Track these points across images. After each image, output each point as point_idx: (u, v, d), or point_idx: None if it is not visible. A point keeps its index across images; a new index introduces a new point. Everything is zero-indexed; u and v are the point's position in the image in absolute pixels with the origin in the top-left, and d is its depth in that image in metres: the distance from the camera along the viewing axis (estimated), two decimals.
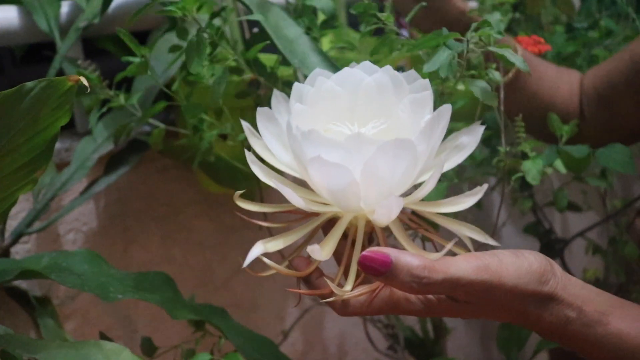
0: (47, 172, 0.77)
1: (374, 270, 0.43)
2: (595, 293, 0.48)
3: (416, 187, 0.50)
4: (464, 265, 0.44)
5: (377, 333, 1.07)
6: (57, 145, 0.85)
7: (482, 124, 0.68)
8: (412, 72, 0.53)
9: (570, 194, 0.89)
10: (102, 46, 0.97)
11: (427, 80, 0.52)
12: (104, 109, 0.74)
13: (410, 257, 0.43)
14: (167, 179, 0.95)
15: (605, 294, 0.49)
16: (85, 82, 0.43)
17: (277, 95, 0.55)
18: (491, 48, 0.57)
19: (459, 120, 0.70)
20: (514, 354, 0.95)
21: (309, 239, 0.53)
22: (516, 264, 0.46)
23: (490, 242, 0.53)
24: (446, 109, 0.49)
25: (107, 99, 0.74)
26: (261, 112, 0.54)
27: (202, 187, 0.95)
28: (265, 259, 0.48)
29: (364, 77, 0.53)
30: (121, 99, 0.73)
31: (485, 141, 0.70)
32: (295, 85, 0.52)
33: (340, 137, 0.50)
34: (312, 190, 0.51)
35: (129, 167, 0.82)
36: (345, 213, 0.50)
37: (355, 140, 0.45)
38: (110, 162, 0.83)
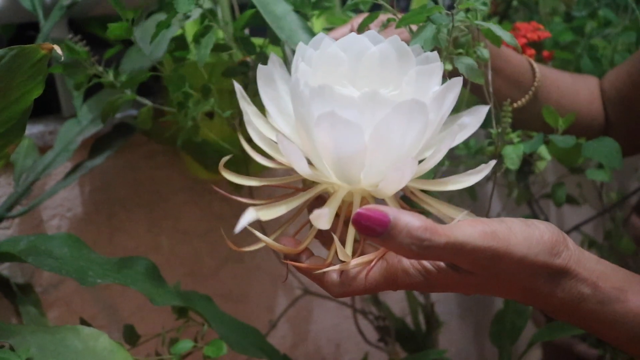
0: (29, 155, 0.75)
1: (370, 230, 0.40)
2: (611, 268, 0.45)
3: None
4: (469, 230, 0.41)
5: (368, 325, 1.05)
6: (41, 128, 0.83)
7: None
8: (417, 47, 0.52)
9: (565, 186, 0.87)
10: (91, 30, 0.95)
11: (435, 53, 0.50)
12: (91, 84, 0.71)
13: (410, 217, 0.40)
14: (155, 166, 0.93)
15: (622, 270, 0.45)
16: (59, 51, 0.40)
17: (273, 61, 0.53)
18: (477, 22, 0.55)
19: None
20: (506, 348, 0.93)
21: (296, 215, 0.50)
22: (526, 232, 0.42)
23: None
24: (457, 81, 0.47)
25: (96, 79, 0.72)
26: (262, 71, 0.51)
27: (190, 174, 0.93)
28: (254, 231, 0.45)
29: (369, 45, 0.51)
30: (110, 75, 0.70)
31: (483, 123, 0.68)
32: (300, 44, 0.50)
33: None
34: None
35: (114, 150, 0.80)
36: (341, 187, 0.48)
37: (371, 98, 0.43)
38: (95, 146, 0.80)
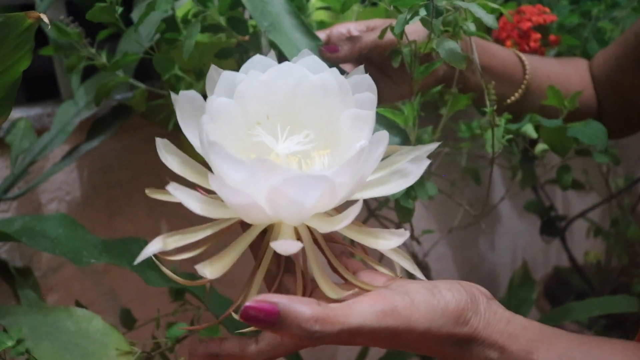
0: (25, 136, 0.74)
1: (259, 322, 0.38)
2: (521, 327, 0.44)
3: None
4: (367, 311, 0.39)
5: None
6: (39, 110, 0.82)
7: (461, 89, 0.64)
8: (366, 79, 0.48)
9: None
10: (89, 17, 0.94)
11: (372, 96, 0.46)
12: (83, 66, 0.70)
13: (300, 307, 0.38)
14: (153, 149, 0.91)
15: (534, 326, 0.44)
16: (46, 19, 0.39)
17: (212, 75, 0.49)
18: (458, 2, 0.53)
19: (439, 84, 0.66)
20: None
21: (223, 234, 0.47)
22: (430, 303, 0.41)
23: (418, 274, 0.47)
24: (383, 136, 0.43)
25: (90, 61, 0.71)
26: (184, 98, 0.47)
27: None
28: (161, 267, 0.44)
29: (307, 74, 0.47)
30: (103, 57, 0.69)
31: (479, 109, 0.66)
32: (224, 74, 0.46)
33: (259, 147, 0.46)
34: None
35: (112, 132, 0.78)
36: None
37: (262, 165, 0.40)
38: (93, 128, 0.80)
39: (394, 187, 0.47)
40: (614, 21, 0.99)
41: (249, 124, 0.47)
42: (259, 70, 0.47)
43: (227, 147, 0.41)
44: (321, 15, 0.79)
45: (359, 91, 0.47)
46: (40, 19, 0.39)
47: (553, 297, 1.30)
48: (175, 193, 0.42)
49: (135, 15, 0.81)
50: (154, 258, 0.44)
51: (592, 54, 0.93)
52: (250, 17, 0.84)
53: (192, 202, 0.43)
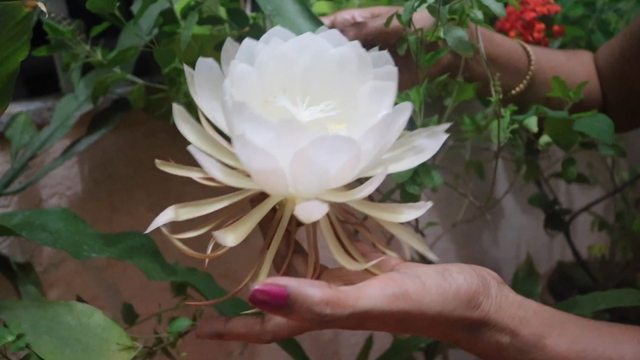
0: (26, 130, 0.74)
1: (268, 306, 0.37)
2: (533, 312, 0.43)
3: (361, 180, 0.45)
4: (378, 294, 0.38)
5: None
6: (39, 104, 0.82)
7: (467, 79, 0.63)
8: (384, 54, 0.47)
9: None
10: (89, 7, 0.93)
11: (395, 69, 0.46)
12: (80, 63, 0.69)
13: (311, 290, 0.37)
14: (155, 144, 0.91)
15: (545, 310, 0.44)
16: (44, 8, 0.38)
17: (228, 48, 0.48)
18: None
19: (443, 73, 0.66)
20: None
21: (233, 212, 0.46)
22: (441, 287, 0.40)
23: (430, 255, 0.47)
24: (406, 107, 0.43)
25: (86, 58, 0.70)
26: (203, 65, 0.46)
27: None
28: (173, 239, 0.43)
29: (328, 47, 0.47)
30: (98, 54, 0.68)
31: (484, 101, 0.65)
32: (247, 40, 0.45)
33: (278, 114, 0.44)
34: None
35: (113, 126, 0.78)
36: (272, 195, 0.45)
37: (289, 125, 0.39)
38: (93, 122, 0.79)
39: (410, 162, 0.47)
40: (618, 12, 0.98)
41: (267, 93, 0.46)
42: (272, 43, 0.46)
43: None
44: (323, 7, 0.78)
45: (378, 66, 0.46)
46: (37, 8, 0.38)
47: (557, 291, 1.29)
48: (197, 156, 0.40)
49: (135, 8, 0.81)
50: (163, 230, 0.43)
51: (597, 46, 0.92)
52: (253, 10, 0.84)
53: (213, 167, 0.41)
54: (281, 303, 0.37)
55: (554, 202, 1.09)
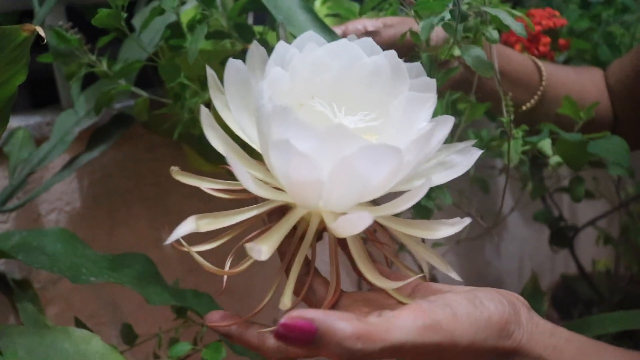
0: (24, 146, 0.73)
1: (295, 342, 0.35)
2: (565, 340, 0.41)
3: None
4: (409, 326, 0.36)
5: None
6: (38, 119, 0.81)
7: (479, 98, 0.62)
8: (417, 66, 0.46)
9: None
10: (90, 19, 0.92)
11: (433, 81, 0.45)
12: (83, 73, 0.68)
13: (340, 324, 0.35)
14: (155, 158, 0.90)
15: (577, 339, 0.42)
16: (42, 33, 0.37)
17: (254, 51, 0.46)
18: (484, 8, 0.52)
19: (457, 89, 0.65)
20: None
21: (252, 223, 0.45)
22: (473, 316, 0.39)
23: (452, 275, 0.45)
24: (448, 120, 0.42)
25: (90, 68, 0.69)
26: (232, 66, 0.44)
27: (191, 166, 0.90)
28: (193, 253, 0.41)
29: (362, 55, 0.45)
30: (104, 64, 0.67)
31: (491, 116, 0.64)
32: (281, 44, 0.44)
33: (319, 120, 0.43)
34: (268, 169, 0.44)
35: (112, 142, 0.77)
36: (299, 206, 0.43)
37: (337, 132, 0.37)
38: (93, 137, 0.78)
39: (441, 178, 0.45)
40: (624, 25, 0.98)
41: (297, 99, 0.45)
42: (306, 48, 0.44)
43: None
44: (328, 23, 0.77)
45: (411, 77, 0.45)
46: (35, 32, 0.37)
47: (561, 305, 1.28)
48: (232, 162, 0.38)
49: (137, 21, 0.80)
50: (182, 241, 0.41)
51: (602, 59, 0.91)
52: (255, 23, 0.83)
53: (246, 176, 0.39)
54: (309, 338, 0.35)
55: (559, 219, 1.07)
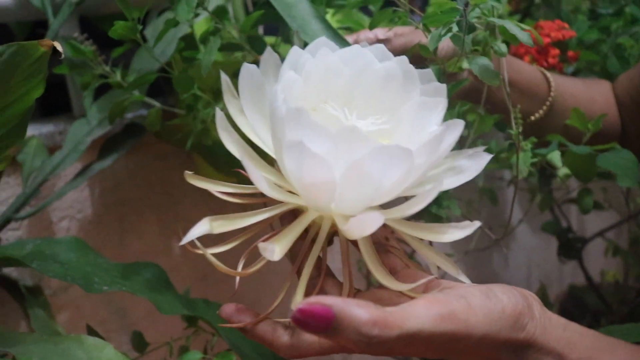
0: (37, 155, 0.74)
1: (312, 327, 0.35)
2: (579, 334, 0.42)
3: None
4: (424, 314, 0.37)
5: None
6: (51, 128, 0.82)
7: (488, 109, 0.63)
8: (428, 72, 0.47)
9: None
10: (103, 29, 0.93)
11: (443, 86, 0.45)
12: (97, 84, 0.69)
13: (357, 310, 0.35)
14: (165, 167, 0.91)
15: (591, 334, 0.42)
16: (60, 48, 0.38)
17: (267, 57, 0.47)
18: (492, 19, 0.52)
19: (466, 99, 0.65)
20: None
21: (264, 226, 0.46)
22: (487, 307, 0.39)
23: (462, 278, 0.46)
24: (458, 124, 0.43)
25: (104, 79, 0.70)
26: (246, 70, 0.45)
27: (201, 175, 0.91)
28: (207, 254, 0.41)
29: (374, 61, 0.46)
30: (117, 75, 0.68)
31: (500, 125, 0.64)
32: (294, 49, 0.45)
33: (331, 123, 0.44)
34: (281, 172, 0.44)
35: (124, 151, 0.78)
36: (311, 209, 0.44)
37: (350, 134, 0.38)
38: (105, 146, 0.79)
39: (450, 183, 0.46)
40: (633, 37, 0.97)
41: (310, 103, 0.45)
42: (319, 54, 0.45)
43: None
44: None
45: (423, 83, 0.46)
46: (53, 47, 0.38)
47: (569, 317, 1.27)
48: (246, 164, 0.39)
49: (149, 32, 0.81)
50: (197, 243, 0.42)
51: (612, 71, 0.91)
52: (265, 33, 0.83)
53: (260, 178, 0.40)
54: (327, 324, 0.35)
55: (567, 230, 1.07)
